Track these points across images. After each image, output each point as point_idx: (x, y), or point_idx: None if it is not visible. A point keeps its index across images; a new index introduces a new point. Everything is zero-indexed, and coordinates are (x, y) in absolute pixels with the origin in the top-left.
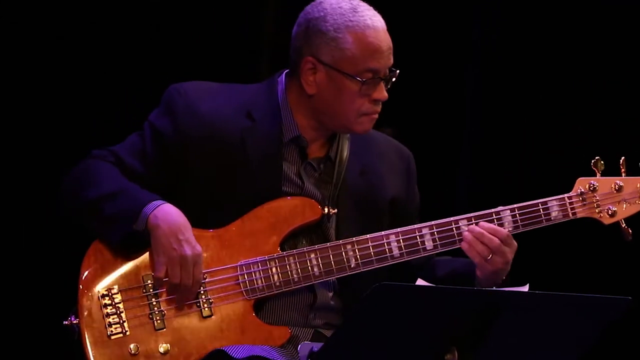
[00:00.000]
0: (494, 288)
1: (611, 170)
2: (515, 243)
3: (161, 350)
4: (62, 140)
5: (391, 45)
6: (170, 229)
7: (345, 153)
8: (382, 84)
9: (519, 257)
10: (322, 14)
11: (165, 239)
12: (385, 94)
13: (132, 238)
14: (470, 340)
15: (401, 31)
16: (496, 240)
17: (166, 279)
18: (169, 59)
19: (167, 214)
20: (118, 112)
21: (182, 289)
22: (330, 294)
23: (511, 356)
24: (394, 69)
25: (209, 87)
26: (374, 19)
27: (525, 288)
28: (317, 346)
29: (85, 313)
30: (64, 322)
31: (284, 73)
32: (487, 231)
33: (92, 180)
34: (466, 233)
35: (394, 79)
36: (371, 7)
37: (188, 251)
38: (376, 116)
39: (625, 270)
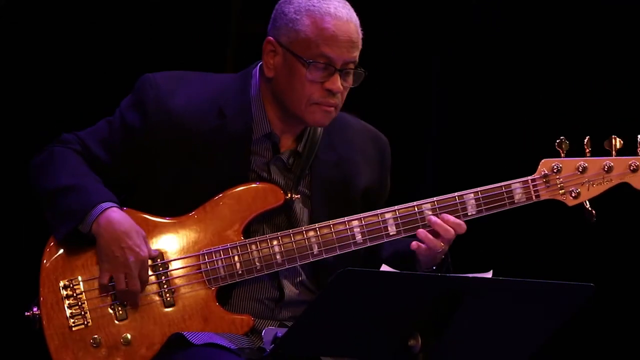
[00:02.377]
0: (460, 274)
1: (576, 151)
2: None
3: (123, 340)
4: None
5: (354, 39)
6: (111, 236)
7: (316, 145)
8: (337, 75)
9: (484, 244)
10: None
11: (107, 247)
12: (339, 86)
13: (77, 236)
14: (433, 326)
15: (369, 19)
16: (452, 232)
17: (111, 284)
18: (137, 48)
19: (110, 222)
20: (88, 99)
21: (130, 294)
22: (297, 291)
23: (474, 342)
24: (355, 67)
25: (183, 78)
26: (339, 9)
27: (489, 274)
28: (281, 331)
29: (47, 304)
30: (26, 314)
31: (259, 65)
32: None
33: (53, 170)
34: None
35: (359, 78)
36: (344, 1)
37: (131, 257)
38: (330, 109)
39: (589, 258)
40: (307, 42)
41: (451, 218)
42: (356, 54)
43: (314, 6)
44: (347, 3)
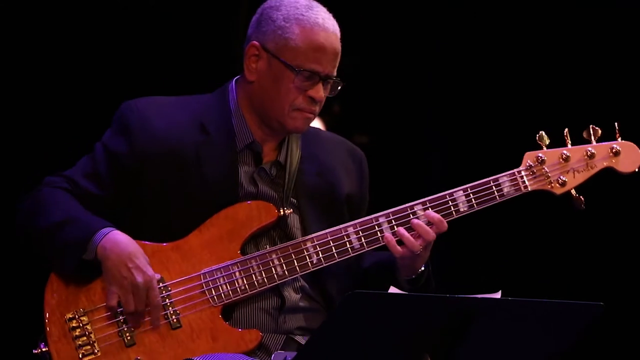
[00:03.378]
0: (468, 295)
1: (556, 143)
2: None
3: None
4: (17, 165)
5: (338, 52)
6: (118, 258)
7: (296, 156)
8: (320, 84)
9: (492, 264)
10: (277, 3)
11: (115, 268)
12: (322, 95)
13: (85, 266)
14: (443, 348)
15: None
16: (432, 234)
17: (120, 309)
18: (141, 68)
19: (115, 243)
20: (74, 129)
21: (138, 316)
22: (298, 296)
23: None
24: (336, 78)
25: (161, 102)
26: (326, 20)
27: (498, 295)
28: (290, 355)
29: (54, 339)
30: (34, 351)
31: (235, 79)
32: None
33: (43, 210)
34: (388, 234)
35: (336, 88)
36: (329, 13)
37: (139, 278)
38: (311, 116)
39: (598, 275)
40: (296, 50)
41: (435, 215)
42: (337, 65)
43: (302, 15)
44: (331, 14)
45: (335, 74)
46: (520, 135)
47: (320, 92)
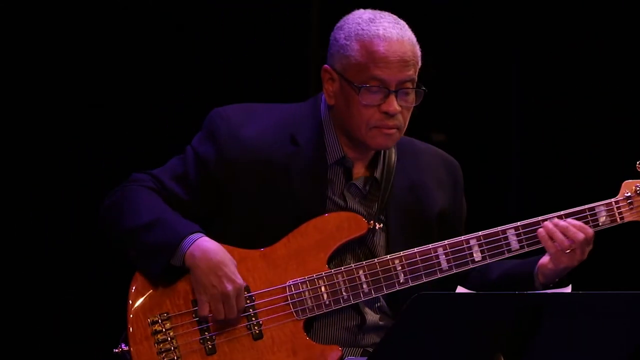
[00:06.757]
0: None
1: None
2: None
3: None
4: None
5: (407, 58)
6: (208, 266)
7: (393, 172)
8: (393, 97)
9: None
10: (342, 23)
11: (205, 277)
12: (395, 107)
13: (171, 270)
14: (516, 346)
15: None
16: (581, 235)
17: (210, 314)
18: (217, 78)
19: (204, 251)
20: (160, 132)
21: (224, 324)
22: (378, 316)
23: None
24: (414, 85)
25: (252, 110)
26: (388, 29)
27: (568, 289)
28: None
29: (136, 341)
30: (114, 350)
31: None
32: (572, 226)
33: (131, 208)
34: (547, 223)
35: (420, 96)
36: (396, 20)
37: (229, 287)
38: (391, 131)
39: None
40: (358, 66)
41: (572, 221)
42: (411, 72)
43: (362, 30)
44: (400, 20)
45: (411, 81)
46: (615, 161)
47: (393, 105)
